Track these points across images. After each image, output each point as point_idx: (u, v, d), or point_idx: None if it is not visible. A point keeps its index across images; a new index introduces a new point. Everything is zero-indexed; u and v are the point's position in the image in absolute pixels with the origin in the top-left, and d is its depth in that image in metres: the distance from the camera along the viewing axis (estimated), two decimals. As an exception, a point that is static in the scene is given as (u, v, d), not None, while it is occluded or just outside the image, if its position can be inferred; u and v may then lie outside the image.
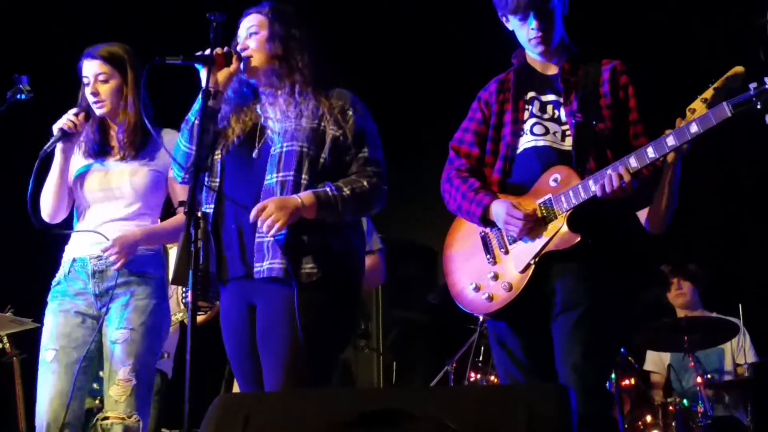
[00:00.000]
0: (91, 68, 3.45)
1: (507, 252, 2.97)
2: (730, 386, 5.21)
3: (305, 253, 2.91)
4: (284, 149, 2.97)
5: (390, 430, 2.09)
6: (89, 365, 3.39)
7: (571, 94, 2.97)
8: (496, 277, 2.97)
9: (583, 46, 3.08)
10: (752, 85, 2.66)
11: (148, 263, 3.44)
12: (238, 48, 3.07)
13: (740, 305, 5.22)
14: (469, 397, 2.24)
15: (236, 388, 4.43)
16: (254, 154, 3.03)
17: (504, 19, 3.05)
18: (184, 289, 2.70)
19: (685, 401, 4.94)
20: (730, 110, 2.65)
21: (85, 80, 3.47)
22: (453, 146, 3.16)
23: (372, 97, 3.17)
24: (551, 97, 3.02)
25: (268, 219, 2.83)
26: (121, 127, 3.46)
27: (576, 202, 2.84)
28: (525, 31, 2.99)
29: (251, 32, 3.08)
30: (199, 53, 2.98)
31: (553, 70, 3.05)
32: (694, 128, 2.71)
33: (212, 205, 3.03)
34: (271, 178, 2.96)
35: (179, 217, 3.46)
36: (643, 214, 3.08)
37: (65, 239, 3.53)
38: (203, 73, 3.00)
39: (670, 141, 2.73)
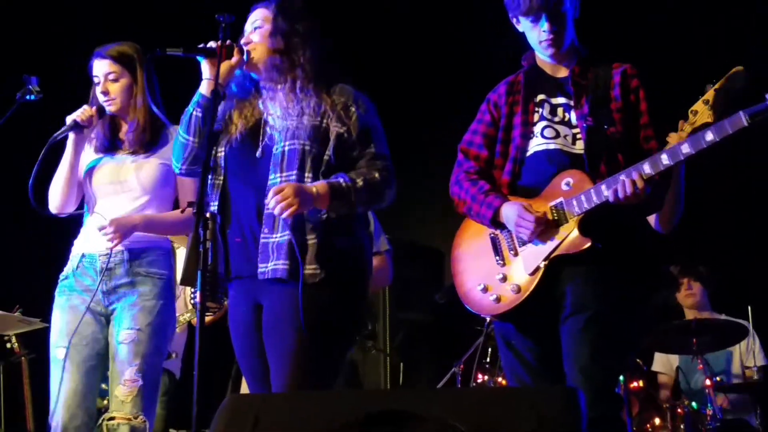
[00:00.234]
0: (101, 68, 3.48)
1: (516, 254, 2.96)
2: (739, 389, 5.19)
3: (309, 254, 2.90)
4: (286, 148, 2.96)
5: (398, 432, 2.09)
6: (99, 363, 3.41)
7: (582, 98, 2.96)
8: (504, 278, 2.96)
9: (593, 49, 3.07)
10: None
11: (157, 263, 3.44)
12: (242, 41, 3.06)
13: (749, 308, 5.20)
14: (477, 399, 2.24)
15: (243, 388, 4.43)
16: (257, 153, 3.02)
17: (515, 20, 3.04)
18: (192, 290, 2.70)
19: (693, 404, 4.93)
20: (747, 120, 2.64)
21: (95, 79, 3.50)
22: (462, 148, 3.15)
23: (378, 97, 3.16)
24: (561, 100, 3.01)
25: (283, 201, 2.82)
26: (131, 125, 3.49)
27: (588, 206, 2.83)
28: (536, 33, 2.98)
29: (256, 26, 3.08)
30: (200, 45, 2.99)
31: (563, 72, 3.04)
32: (709, 136, 2.69)
33: (216, 203, 3.03)
34: (275, 178, 2.95)
35: (185, 213, 3.47)
36: (651, 217, 3.08)
37: (74, 234, 3.54)
38: (204, 65, 3.01)
39: (685, 149, 2.72)
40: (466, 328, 5.36)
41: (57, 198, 3.49)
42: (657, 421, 4.94)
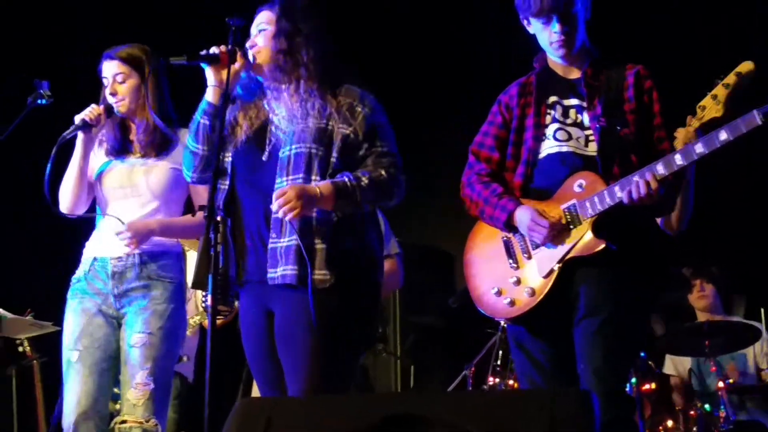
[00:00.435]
0: (109, 69, 3.49)
1: (530, 257, 2.95)
2: (753, 391, 5.16)
3: (318, 258, 2.88)
4: (293, 151, 2.95)
5: (411, 436, 2.08)
6: (112, 366, 3.41)
7: (595, 99, 2.95)
8: (518, 281, 2.96)
9: (602, 49, 3.06)
10: None
11: (168, 267, 3.45)
12: (248, 45, 3.06)
13: (762, 310, 5.18)
14: (490, 402, 2.23)
15: (255, 391, 4.43)
16: (264, 157, 3.01)
17: (525, 21, 3.03)
18: (203, 293, 2.70)
19: (707, 406, 4.90)
20: (761, 118, 2.63)
21: (104, 81, 3.52)
22: (473, 150, 3.14)
23: (387, 99, 3.14)
24: (574, 102, 3.00)
25: (286, 205, 2.82)
26: (140, 127, 3.49)
27: (601, 208, 2.82)
28: (547, 34, 2.97)
29: (260, 29, 3.07)
30: (203, 52, 2.98)
31: (575, 74, 3.03)
32: (723, 136, 2.68)
33: (222, 207, 3.02)
34: (281, 182, 2.94)
35: (197, 216, 3.47)
36: (657, 219, 3.07)
37: (85, 238, 3.55)
38: (208, 72, 3.01)
39: (699, 149, 2.71)
40: (476, 331, 5.35)
41: (67, 198, 3.49)
42: (669, 423, 4.92)
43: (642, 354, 4.90)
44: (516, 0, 3.01)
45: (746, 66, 2.79)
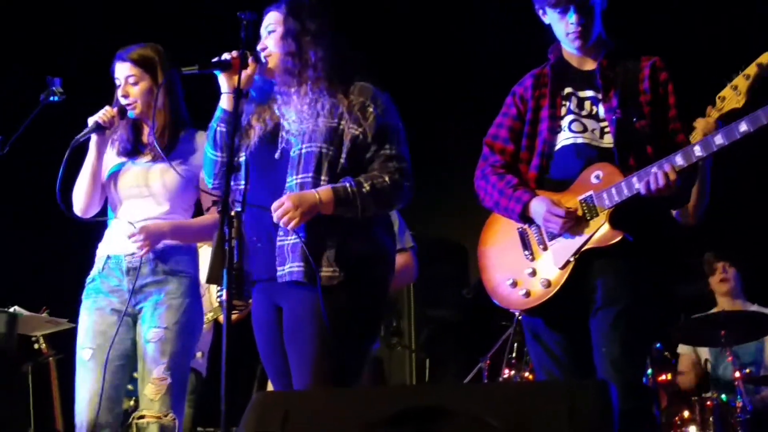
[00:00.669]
0: (121, 70, 3.49)
1: (546, 248, 2.95)
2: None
3: (326, 256, 2.88)
4: (303, 151, 2.94)
5: (430, 428, 2.07)
6: (126, 363, 3.41)
7: (611, 90, 2.94)
8: (533, 273, 2.95)
9: (620, 42, 3.05)
10: None
11: (182, 262, 3.45)
12: (258, 47, 3.04)
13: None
14: (508, 393, 2.23)
15: (270, 386, 4.44)
16: (276, 156, 3.01)
17: (541, 11, 3.02)
18: (218, 288, 2.70)
19: (723, 396, 4.88)
20: None
21: (116, 82, 3.51)
22: (487, 142, 3.13)
23: (400, 93, 3.13)
24: (589, 93, 2.99)
25: (284, 216, 2.83)
26: (152, 128, 3.49)
27: (619, 199, 2.82)
28: (563, 25, 2.96)
29: (269, 31, 3.05)
30: (215, 60, 2.97)
31: (590, 65, 3.02)
32: (743, 127, 2.67)
33: (239, 208, 3.02)
34: (291, 181, 2.94)
35: (208, 216, 3.48)
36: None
37: (99, 236, 3.56)
38: (222, 79, 3.00)
39: (718, 140, 2.70)
40: (491, 323, 5.35)
41: (81, 200, 3.49)
42: (686, 413, 4.90)
43: (658, 345, 4.89)
44: None
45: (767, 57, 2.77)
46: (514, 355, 5.13)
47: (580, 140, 2.94)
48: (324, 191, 2.86)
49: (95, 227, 3.60)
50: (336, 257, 2.88)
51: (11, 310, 4.33)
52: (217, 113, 3.04)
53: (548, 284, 2.90)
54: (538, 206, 2.90)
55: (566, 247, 2.89)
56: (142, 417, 3.32)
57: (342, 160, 2.93)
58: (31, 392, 5.17)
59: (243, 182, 3.04)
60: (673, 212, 3.08)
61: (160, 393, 3.31)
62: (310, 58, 2.99)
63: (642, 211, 2.82)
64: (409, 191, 2.99)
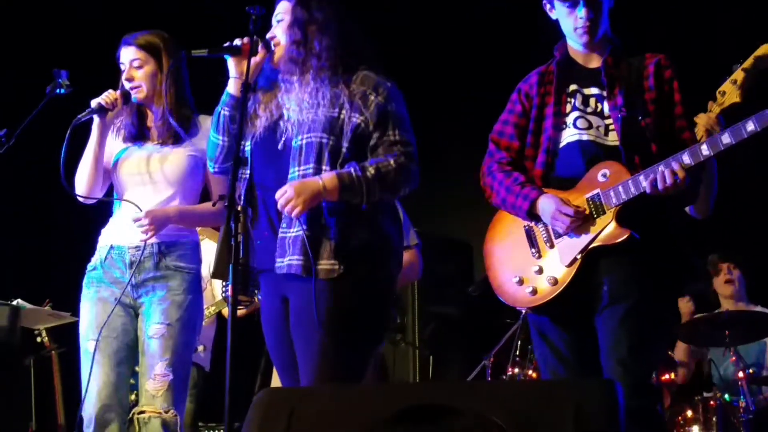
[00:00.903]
0: (126, 54, 3.49)
1: (552, 246, 2.94)
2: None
3: (327, 248, 2.87)
4: (304, 141, 2.93)
5: (435, 426, 2.07)
6: (129, 355, 3.41)
7: (616, 88, 2.94)
8: (540, 270, 2.95)
9: (626, 40, 3.04)
10: None
11: (185, 257, 3.44)
12: (268, 36, 3.04)
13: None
14: (516, 392, 2.22)
15: (273, 382, 4.43)
16: (280, 146, 3.00)
17: (549, 6, 3.02)
18: (224, 283, 2.69)
19: (726, 396, 4.88)
20: None
21: (121, 66, 3.51)
22: (492, 138, 3.12)
23: (404, 89, 3.11)
24: (594, 90, 2.98)
25: (287, 204, 2.82)
26: (157, 113, 3.49)
27: (626, 197, 2.81)
28: (572, 20, 2.96)
29: (278, 20, 3.05)
30: (226, 44, 2.97)
31: (595, 62, 3.02)
32: (750, 126, 2.67)
33: (243, 196, 3.01)
34: (294, 172, 2.93)
35: (216, 205, 3.46)
36: None
37: (103, 224, 3.55)
38: (231, 64, 3.00)
39: (725, 139, 2.70)
40: (495, 321, 5.34)
41: (83, 182, 3.48)
42: (689, 413, 4.90)
43: (663, 345, 4.88)
44: None
45: (764, 49, 2.77)
46: (518, 352, 5.13)
47: (585, 137, 2.93)
48: (328, 178, 2.84)
49: (99, 220, 3.60)
50: (336, 249, 2.86)
51: (14, 303, 4.32)
52: (224, 97, 3.04)
53: (555, 282, 2.90)
54: (546, 204, 2.89)
55: (573, 245, 2.88)
56: (143, 412, 3.31)
57: (344, 150, 2.91)
58: (33, 386, 5.17)
59: (248, 171, 3.03)
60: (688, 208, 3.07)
61: (162, 389, 3.30)
62: (315, 47, 2.97)
63: (649, 210, 2.82)
64: (415, 175, 2.96)
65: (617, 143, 2.89)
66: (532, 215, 2.94)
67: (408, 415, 2.09)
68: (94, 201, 3.51)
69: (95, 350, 3.35)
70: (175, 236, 3.43)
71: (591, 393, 2.11)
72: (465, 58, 6.45)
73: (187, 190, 3.49)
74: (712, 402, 4.87)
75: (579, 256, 2.86)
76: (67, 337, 4.39)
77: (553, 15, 3.02)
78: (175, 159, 3.45)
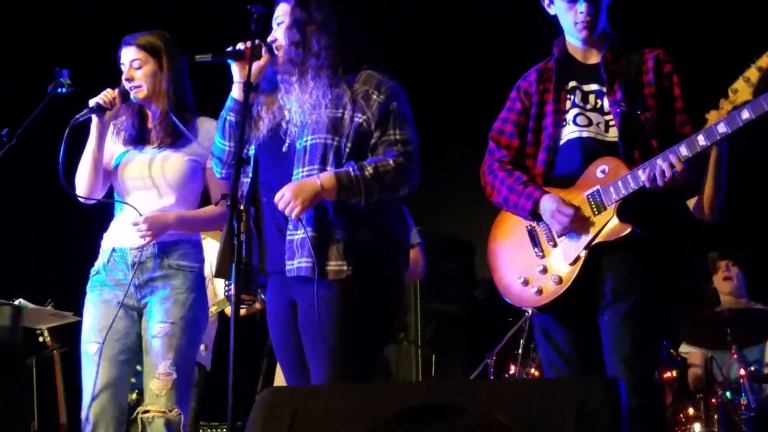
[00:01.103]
0: (127, 55, 3.49)
1: (555, 245, 2.94)
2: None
3: (333, 250, 2.87)
4: (308, 143, 2.93)
5: (439, 425, 2.07)
6: (131, 357, 3.41)
7: (615, 83, 2.93)
8: (545, 270, 2.95)
9: (622, 34, 3.04)
10: None
11: (188, 256, 3.44)
12: (269, 39, 3.03)
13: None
14: (519, 390, 2.21)
15: (276, 382, 4.44)
16: (284, 149, 3.00)
17: (548, 1, 3.02)
18: (226, 282, 2.69)
19: (728, 394, 4.88)
20: None
21: (122, 67, 3.50)
22: (493, 137, 3.12)
23: (406, 88, 3.11)
24: (593, 87, 2.98)
25: (286, 206, 2.82)
26: (155, 114, 3.48)
27: (625, 192, 2.81)
28: (572, 15, 2.95)
29: (278, 22, 3.05)
30: (229, 49, 2.97)
31: (594, 58, 3.01)
32: (745, 114, 2.66)
33: (246, 196, 3.01)
34: (297, 174, 2.93)
35: (214, 207, 3.47)
36: (691, 201, 3.04)
37: (105, 229, 3.54)
38: (234, 68, 2.99)
39: (721, 128, 2.69)
40: (498, 319, 5.34)
41: (83, 183, 3.47)
42: (691, 411, 4.90)
43: (664, 342, 4.88)
44: None
45: None
46: (520, 351, 5.13)
47: (585, 134, 2.93)
48: (326, 177, 2.84)
49: (101, 219, 3.59)
50: (344, 251, 2.86)
51: (16, 302, 4.32)
52: (228, 103, 3.04)
53: (560, 281, 2.90)
54: (547, 204, 2.89)
55: (576, 243, 2.88)
56: (147, 411, 3.31)
57: (348, 150, 2.91)
58: (35, 385, 5.17)
59: (252, 174, 3.03)
60: (691, 207, 3.06)
61: (166, 388, 3.30)
62: (314, 47, 2.97)
63: (650, 204, 2.82)
64: (415, 174, 2.94)
65: (617, 139, 2.89)
66: (535, 215, 2.94)
67: (411, 414, 2.08)
68: (95, 202, 3.51)
69: (95, 352, 3.35)
70: (176, 236, 3.43)
71: (594, 391, 2.10)
72: (465, 58, 6.44)
73: (187, 194, 3.49)
74: (713, 400, 4.87)
75: (583, 254, 2.86)
76: (69, 336, 4.39)
77: (552, 10, 3.02)
78: (175, 163, 3.44)
